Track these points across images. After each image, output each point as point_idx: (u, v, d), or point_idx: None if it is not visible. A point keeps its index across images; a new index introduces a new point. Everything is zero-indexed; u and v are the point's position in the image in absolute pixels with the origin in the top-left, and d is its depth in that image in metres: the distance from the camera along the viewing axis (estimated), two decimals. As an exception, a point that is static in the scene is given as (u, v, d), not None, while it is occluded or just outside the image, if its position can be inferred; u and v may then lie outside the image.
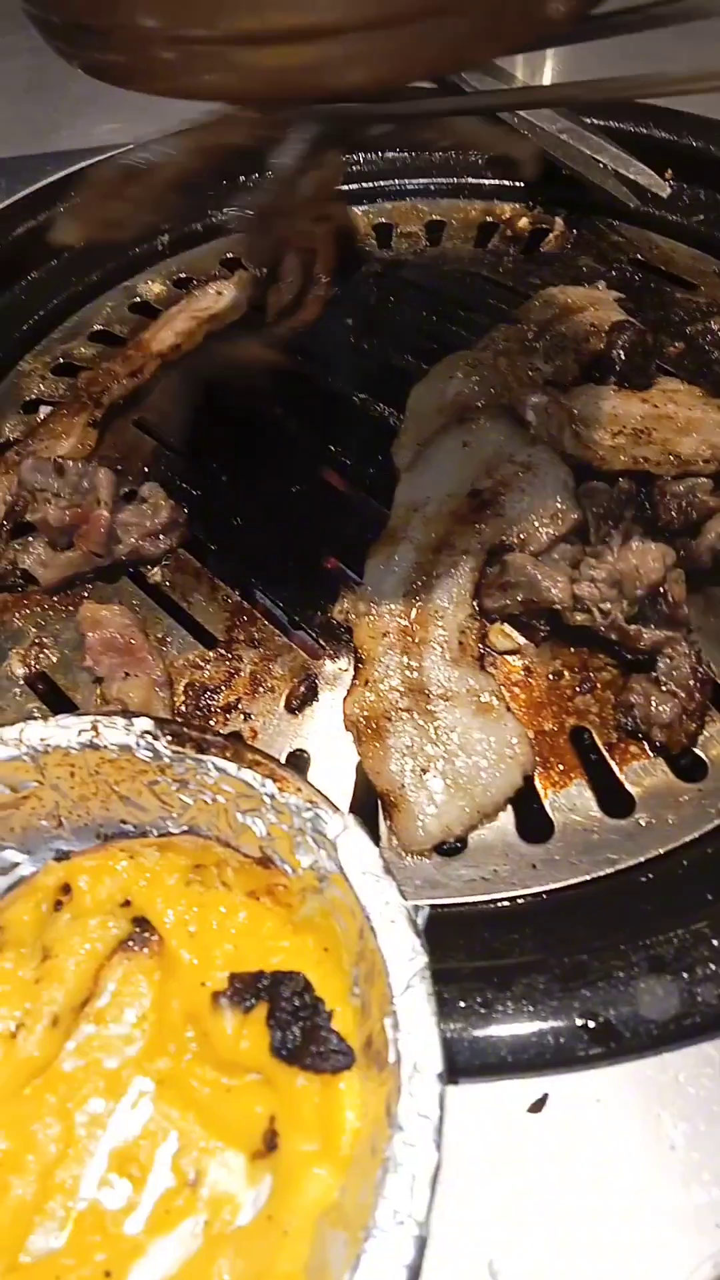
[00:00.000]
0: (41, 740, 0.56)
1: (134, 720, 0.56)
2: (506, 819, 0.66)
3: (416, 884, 0.64)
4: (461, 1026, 0.53)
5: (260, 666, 0.75)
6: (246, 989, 0.51)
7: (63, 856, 0.58)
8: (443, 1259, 0.47)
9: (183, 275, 1.11)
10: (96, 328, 1.06)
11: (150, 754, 0.55)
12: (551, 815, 0.66)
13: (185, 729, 0.56)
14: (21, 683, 0.75)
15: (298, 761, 0.70)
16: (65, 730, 0.56)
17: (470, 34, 0.54)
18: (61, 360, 1.02)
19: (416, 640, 0.73)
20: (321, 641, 0.76)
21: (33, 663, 0.76)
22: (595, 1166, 0.50)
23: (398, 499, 0.79)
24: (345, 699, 0.72)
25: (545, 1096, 0.52)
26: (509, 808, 0.67)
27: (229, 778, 0.54)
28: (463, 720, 0.69)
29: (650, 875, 0.62)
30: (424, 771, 0.67)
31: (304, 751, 0.71)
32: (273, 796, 0.53)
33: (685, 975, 0.54)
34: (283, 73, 0.55)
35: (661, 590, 0.70)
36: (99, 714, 0.57)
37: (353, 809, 0.68)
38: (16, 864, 0.59)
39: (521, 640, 0.75)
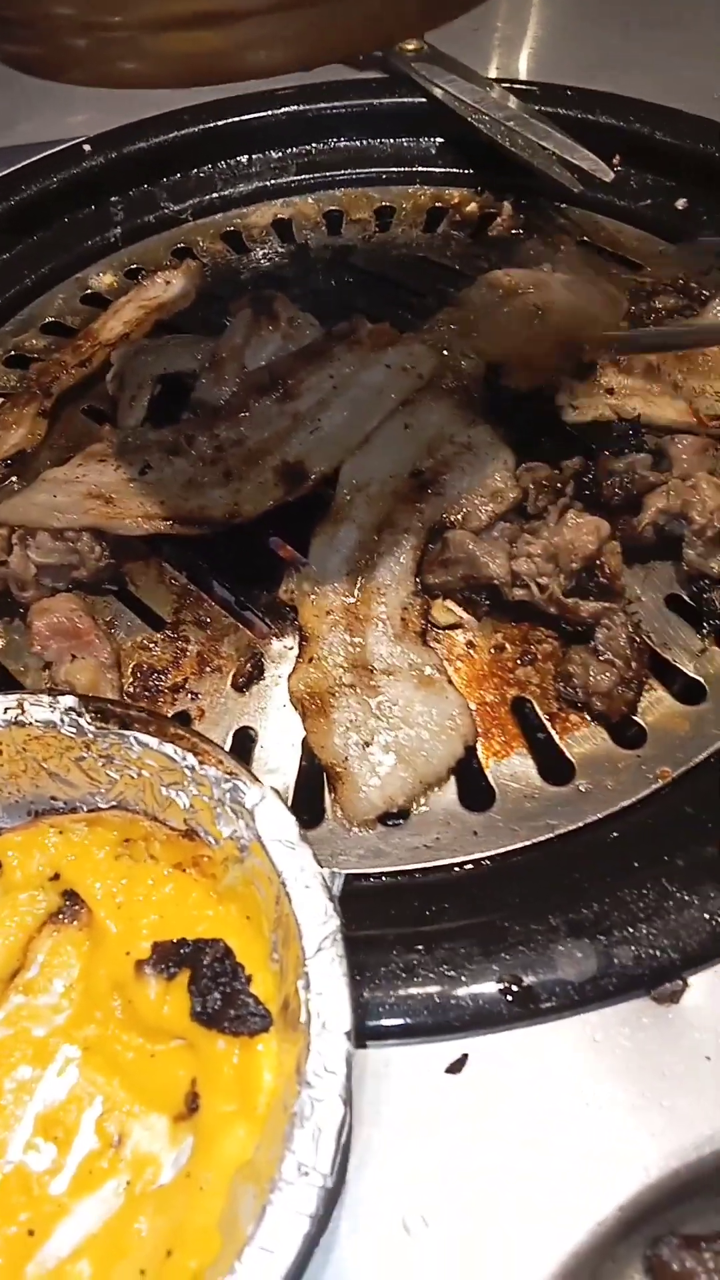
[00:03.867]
0: (-31, 718, 0.57)
1: (59, 698, 0.57)
2: (449, 789, 0.67)
3: (360, 854, 0.65)
4: (382, 990, 0.54)
5: (207, 647, 0.75)
6: (169, 956, 0.52)
7: (-5, 834, 0.59)
8: (360, 1217, 0.48)
9: (134, 266, 1.12)
10: (48, 319, 1.07)
11: (74, 730, 0.56)
12: (493, 784, 0.67)
13: (109, 705, 0.57)
14: (-32, 668, 0.76)
15: (245, 739, 0.71)
16: (-8, 709, 0.57)
17: (381, 12, 0.55)
18: (13, 353, 1.03)
19: (360, 617, 0.74)
20: (268, 621, 0.77)
21: (-22, 648, 0.77)
22: (511, 1124, 0.50)
23: (342, 479, 0.80)
24: (290, 676, 0.72)
25: (464, 1057, 0.53)
26: (451, 778, 0.68)
27: (151, 752, 0.55)
28: (405, 694, 0.70)
29: (583, 842, 0.63)
30: (367, 744, 0.68)
31: (251, 729, 0.72)
32: (193, 769, 0.54)
33: (603, 938, 0.55)
34: (194, 58, 0.56)
35: (598, 563, 0.71)
36: (26, 693, 0.58)
37: (298, 784, 0.69)
38: (-51, 841, 0.59)
39: (463, 615, 0.76)
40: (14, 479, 0.87)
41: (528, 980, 0.54)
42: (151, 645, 0.76)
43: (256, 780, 0.53)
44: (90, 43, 0.56)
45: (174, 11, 0.53)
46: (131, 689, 0.74)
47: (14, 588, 0.78)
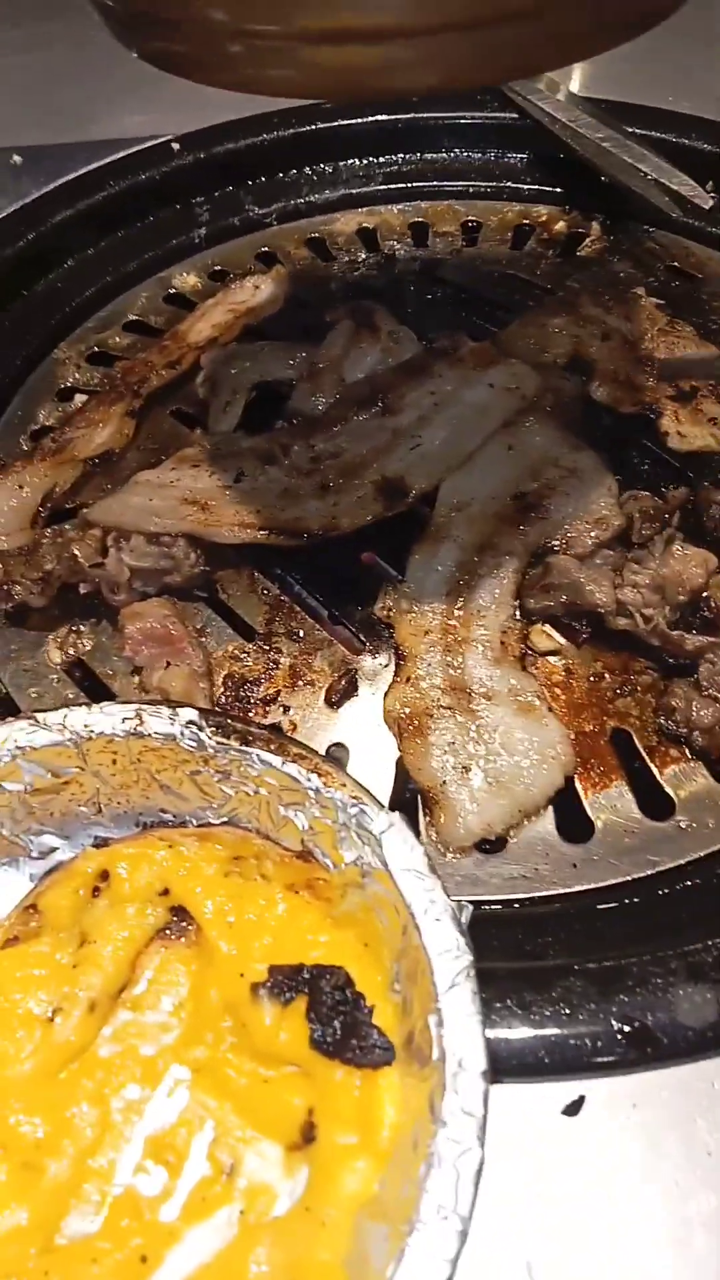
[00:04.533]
0: (85, 726, 0.56)
1: (179, 710, 0.56)
2: (547, 818, 0.66)
3: (456, 880, 0.64)
4: (498, 1026, 0.53)
5: (300, 660, 0.75)
6: (286, 981, 0.51)
7: (101, 843, 0.58)
8: (480, 1258, 0.47)
9: (218, 268, 1.11)
10: (131, 318, 1.06)
11: (194, 744, 0.55)
12: (592, 816, 0.66)
13: (229, 720, 0.56)
14: (59, 669, 0.75)
15: (336, 756, 0.70)
16: (109, 717, 0.56)
17: (540, 41, 0.54)
18: (96, 349, 1.02)
19: (459, 639, 0.73)
20: (362, 637, 0.76)
21: (69, 649, 0.76)
22: (631, 1170, 0.50)
23: (441, 498, 0.79)
24: (386, 695, 0.72)
25: (581, 1099, 0.52)
26: (549, 808, 0.67)
27: (273, 770, 0.54)
28: (505, 719, 0.69)
29: (690, 880, 0.62)
30: (465, 769, 0.67)
31: (343, 745, 0.71)
32: (318, 791, 0.53)
33: (724, 982, 0.54)
34: (348, 72, 0.55)
35: (704, 596, 0.70)
36: (143, 703, 0.57)
37: (391, 805, 0.68)
38: (55, 849, 0.59)
39: (562, 641, 0.75)
40: (103, 479, 0.87)
41: (645, 1022, 0.53)
42: (243, 655, 0.75)
43: (381, 806, 0.53)
44: (243, 49, 0.55)
45: (335, 25, 0.52)
46: (224, 699, 0.73)
47: (107, 590, 0.77)
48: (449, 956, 0.48)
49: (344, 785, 0.53)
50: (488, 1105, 0.44)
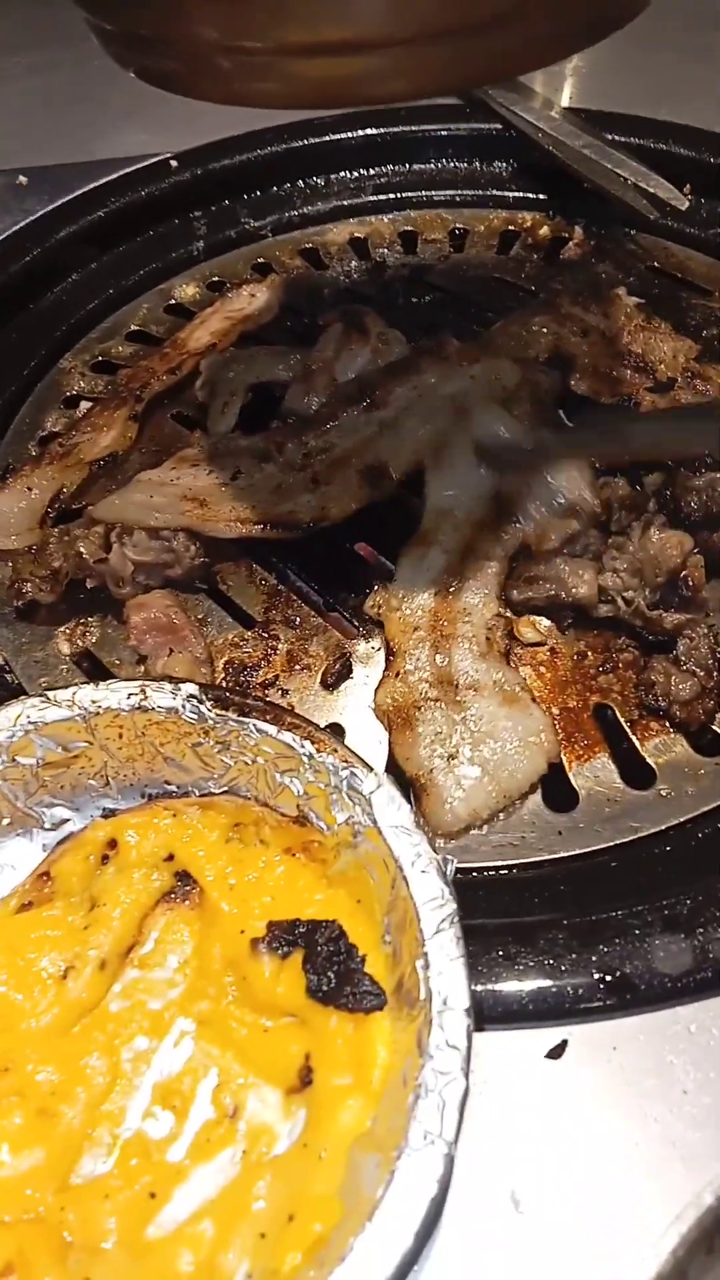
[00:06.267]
0: (93, 702, 0.59)
1: (180, 685, 0.60)
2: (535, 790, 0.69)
3: (448, 850, 0.66)
4: (486, 977, 0.56)
5: (297, 645, 0.78)
6: (284, 936, 0.54)
7: (109, 814, 0.62)
8: (468, 1189, 0.50)
9: (216, 279, 1.15)
10: (133, 328, 1.10)
11: (195, 717, 0.59)
12: (576, 786, 0.69)
13: (228, 694, 0.59)
14: (68, 660, 0.79)
15: (335, 736, 0.73)
16: (115, 693, 0.60)
17: (509, 47, 0.58)
18: (100, 358, 1.06)
19: (445, 635, 0.76)
20: (355, 622, 0.80)
21: (78, 641, 0.80)
22: (610, 1107, 0.52)
23: (428, 501, 0.82)
24: (376, 690, 0.74)
25: (564, 1043, 0.55)
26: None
27: (269, 739, 0.58)
28: (489, 709, 0.71)
29: (669, 845, 0.65)
30: (452, 758, 0.69)
31: (339, 726, 0.74)
32: (311, 756, 0.57)
33: (699, 933, 0.57)
34: (331, 83, 0.59)
35: (682, 576, 0.74)
36: (146, 679, 0.60)
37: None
38: (66, 820, 0.62)
39: (547, 626, 0.78)
40: (108, 480, 0.90)
41: (624, 971, 0.56)
42: (242, 643, 0.79)
43: (370, 769, 0.56)
44: (231, 64, 0.59)
45: (316, 39, 0.56)
46: (224, 683, 0.76)
47: (111, 584, 0.80)
48: (434, 905, 0.51)
49: (335, 750, 0.56)
50: (471, 1039, 0.47)
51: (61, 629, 0.81)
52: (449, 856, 0.53)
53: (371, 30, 0.54)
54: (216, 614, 0.81)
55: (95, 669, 0.79)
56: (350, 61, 0.56)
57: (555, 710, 0.73)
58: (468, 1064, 0.46)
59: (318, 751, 0.56)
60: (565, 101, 1.26)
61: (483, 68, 0.59)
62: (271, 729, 0.57)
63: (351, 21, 0.54)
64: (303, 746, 0.56)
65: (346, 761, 0.56)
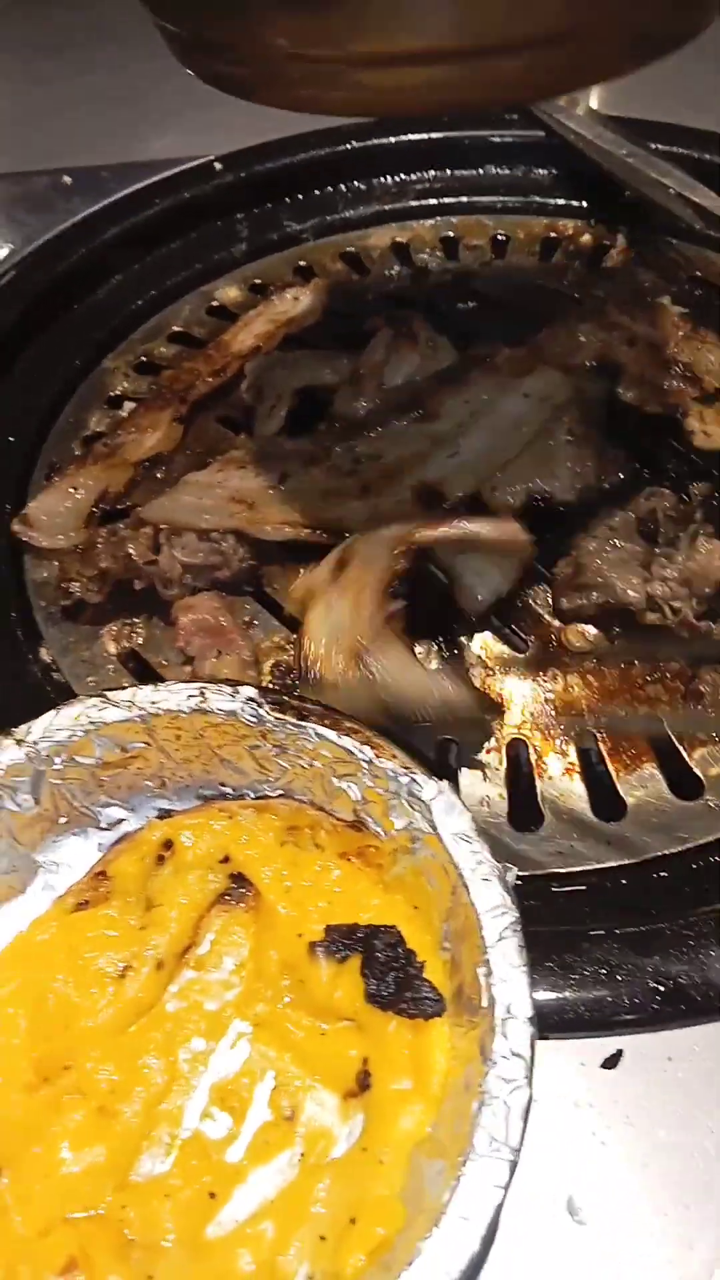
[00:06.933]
0: (152, 703, 0.60)
1: (239, 688, 0.60)
2: (582, 799, 0.69)
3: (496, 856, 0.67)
4: (540, 985, 0.56)
5: (342, 649, 0.78)
6: (342, 940, 0.55)
7: (165, 815, 0.62)
8: (526, 1197, 0.50)
9: (258, 281, 1.15)
10: (175, 329, 1.11)
11: (254, 719, 0.59)
12: (624, 795, 0.69)
13: (286, 698, 0.60)
14: (115, 660, 0.79)
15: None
16: (175, 695, 0.60)
17: (573, 62, 0.58)
18: (144, 359, 1.07)
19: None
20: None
21: (124, 641, 0.80)
22: (667, 1117, 0.53)
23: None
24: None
25: (620, 1052, 0.55)
26: (585, 791, 0.70)
27: (328, 743, 0.58)
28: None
29: (718, 855, 0.65)
30: None
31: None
32: (370, 762, 0.57)
33: (754, 944, 0.57)
34: (396, 92, 0.59)
35: (730, 587, 0.74)
36: (206, 682, 0.61)
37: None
38: (122, 820, 0.62)
39: (594, 634, 0.78)
40: (153, 481, 0.91)
41: (680, 982, 0.56)
42: (288, 646, 0.79)
43: (431, 775, 0.56)
44: (300, 72, 0.59)
45: (386, 50, 0.56)
46: (272, 686, 0.76)
47: (159, 585, 0.81)
48: (496, 913, 0.51)
49: (395, 757, 0.57)
50: (534, 1049, 0.47)
51: (108, 629, 0.81)
52: (509, 865, 0.53)
53: (445, 42, 0.54)
54: (263, 616, 0.81)
55: (142, 669, 0.79)
56: (420, 71, 0.57)
57: (603, 720, 0.73)
58: (531, 1073, 0.47)
59: (377, 757, 0.57)
60: (608, 109, 1.26)
61: (548, 81, 0.60)
62: (331, 734, 0.58)
63: (425, 33, 0.54)
64: (362, 751, 0.57)
65: (407, 768, 0.56)
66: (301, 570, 0.82)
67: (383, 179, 1.23)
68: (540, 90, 0.65)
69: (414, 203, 1.22)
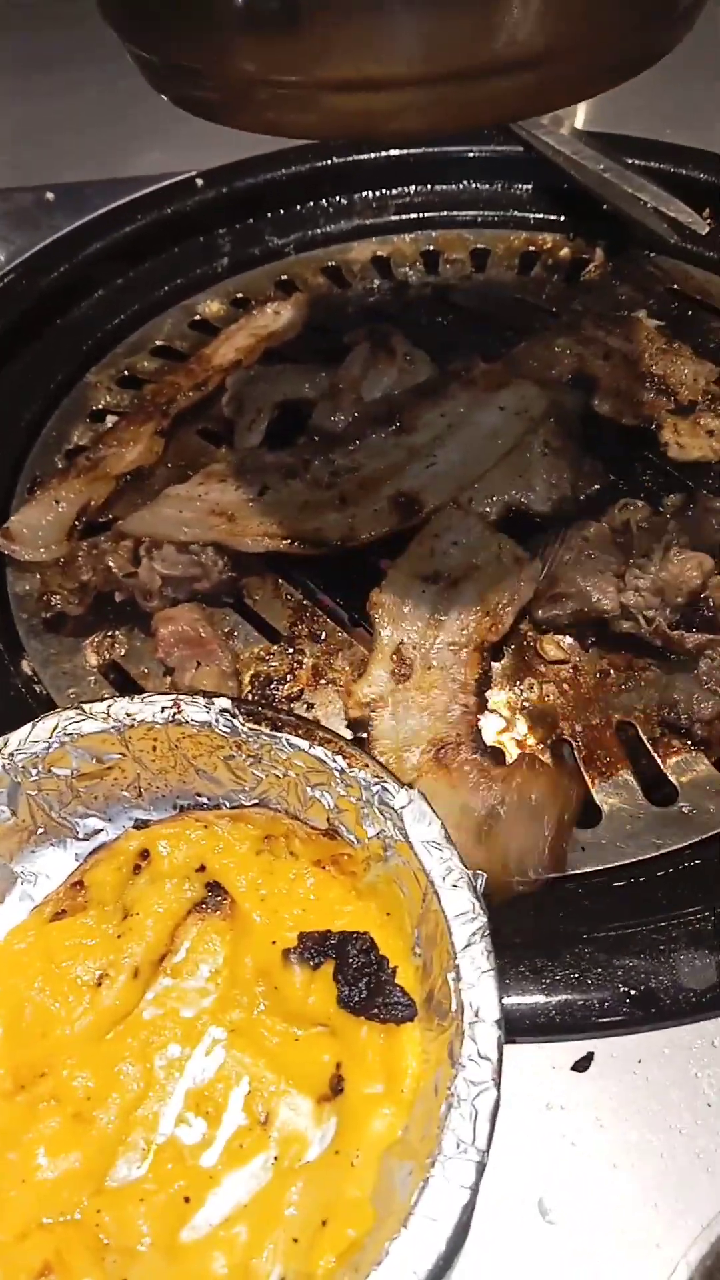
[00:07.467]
0: (128, 715, 0.61)
1: (214, 699, 0.61)
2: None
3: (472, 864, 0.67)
4: (512, 990, 0.57)
5: (322, 660, 0.79)
6: (315, 947, 0.55)
7: (141, 825, 0.63)
8: (496, 1198, 0.51)
9: (240, 295, 1.17)
10: (158, 343, 1.12)
11: (228, 730, 0.60)
12: (599, 802, 0.70)
13: (260, 708, 0.61)
14: (96, 672, 0.80)
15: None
16: (150, 706, 0.61)
17: (540, 86, 0.59)
18: (126, 373, 1.08)
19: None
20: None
21: (105, 653, 0.81)
22: (637, 1119, 0.53)
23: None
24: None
25: (590, 1055, 0.56)
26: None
27: (301, 753, 0.59)
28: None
29: (691, 861, 0.66)
30: None
31: (364, 738, 0.75)
32: (343, 771, 0.58)
33: (723, 948, 0.58)
34: (362, 116, 0.60)
35: (702, 596, 0.75)
36: (180, 693, 0.62)
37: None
38: (99, 830, 0.63)
39: (570, 644, 0.79)
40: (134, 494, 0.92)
41: (650, 985, 0.57)
42: (268, 657, 0.80)
43: (401, 784, 0.57)
44: (268, 96, 0.61)
45: (352, 75, 0.58)
46: (251, 697, 0.77)
47: (140, 597, 0.82)
48: (465, 919, 0.52)
49: (366, 765, 0.57)
50: (502, 1051, 0.48)
51: (89, 641, 0.82)
52: (479, 871, 0.54)
53: (406, 69, 0.55)
54: (243, 628, 0.82)
55: (123, 681, 0.80)
56: (383, 97, 0.58)
57: (579, 728, 0.74)
58: (499, 1075, 0.47)
59: (349, 766, 0.57)
60: (584, 125, 1.28)
61: (517, 105, 0.61)
62: (304, 744, 0.58)
63: (386, 60, 0.55)
64: (335, 761, 0.58)
65: (378, 777, 0.57)
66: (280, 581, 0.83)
67: (363, 194, 1.24)
68: (509, 113, 0.66)
69: (394, 217, 1.23)
